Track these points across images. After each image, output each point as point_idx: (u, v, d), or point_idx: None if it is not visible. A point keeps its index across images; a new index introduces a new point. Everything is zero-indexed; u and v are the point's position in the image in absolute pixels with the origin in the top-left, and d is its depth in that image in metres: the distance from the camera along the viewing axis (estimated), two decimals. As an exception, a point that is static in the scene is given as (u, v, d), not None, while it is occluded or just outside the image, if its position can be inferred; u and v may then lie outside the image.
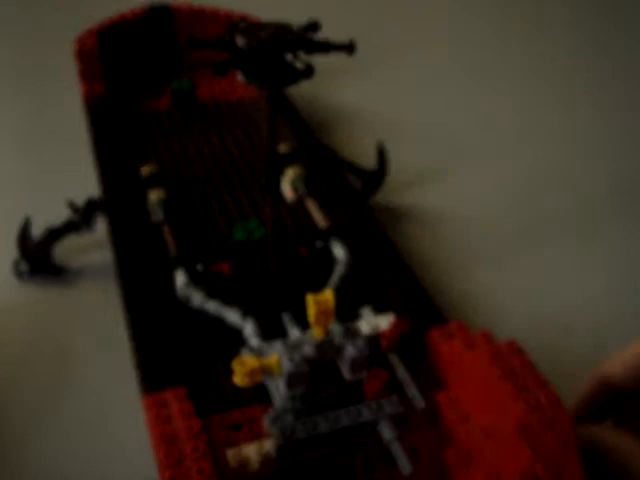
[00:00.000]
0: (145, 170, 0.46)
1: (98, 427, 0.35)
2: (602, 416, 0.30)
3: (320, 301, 0.28)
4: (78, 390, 0.37)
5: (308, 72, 0.26)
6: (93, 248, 0.44)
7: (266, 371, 0.28)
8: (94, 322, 0.40)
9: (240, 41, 0.28)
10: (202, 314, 0.35)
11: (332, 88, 0.64)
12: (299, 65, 0.26)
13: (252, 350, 0.29)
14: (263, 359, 0.28)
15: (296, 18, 0.31)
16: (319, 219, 0.42)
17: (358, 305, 0.34)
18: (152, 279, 0.37)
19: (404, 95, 0.65)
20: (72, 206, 0.42)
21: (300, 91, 0.45)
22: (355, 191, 0.45)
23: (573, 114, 0.63)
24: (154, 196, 0.43)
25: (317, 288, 0.31)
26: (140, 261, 0.38)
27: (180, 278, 0.36)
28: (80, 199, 0.43)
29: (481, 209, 0.49)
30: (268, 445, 0.27)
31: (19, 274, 0.43)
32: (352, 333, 0.30)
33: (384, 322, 0.32)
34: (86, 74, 0.56)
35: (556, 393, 0.28)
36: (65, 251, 0.44)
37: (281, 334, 0.32)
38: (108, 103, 0.55)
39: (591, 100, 0.65)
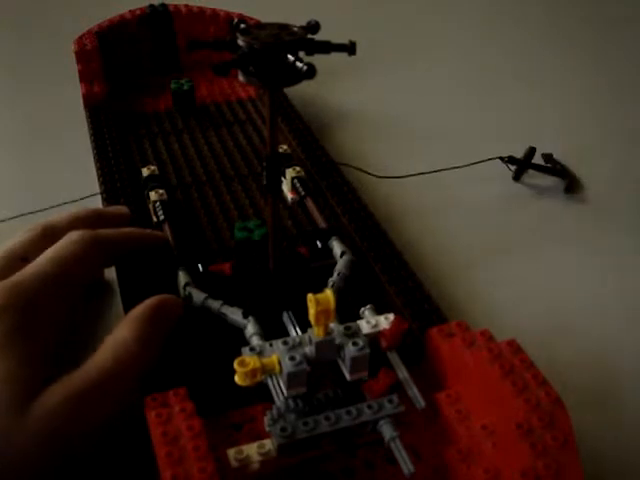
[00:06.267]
0: (145, 171, 0.46)
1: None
2: None
3: (320, 301, 0.28)
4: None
5: (310, 73, 0.26)
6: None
7: (267, 371, 0.28)
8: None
9: (241, 42, 0.28)
10: (203, 314, 0.35)
11: (332, 88, 0.64)
12: (301, 66, 0.26)
13: (253, 350, 0.30)
14: (264, 359, 0.29)
15: (295, 19, 0.31)
16: (319, 219, 0.42)
17: (358, 305, 0.34)
18: (152, 279, 0.37)
19: (404, 95, 0.65)
20: None
21: (300, 91, 0.45)
22: (355, 191, 0.45)
23: (575, 117, 0.63)
24: (154, 196, 0.43)
25: (317, 288, 0.31)
26: (140, 261, 0.38)
27: (180, 278, 0.36)
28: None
29: (483, 209, 0.50)
30: (269, 445, 0.28)
31: None
32: (352, 333, 0.30)
33: (384, 321, 0.32)
34: (86, 75, 0.56)
35: (556, 392, 0.28)
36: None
37: (282, 334, 0.32)
38: (108, 103, 0.55)
39: (591, 106, 0.65)
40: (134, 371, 0.30)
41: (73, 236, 0.33)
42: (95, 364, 0.29)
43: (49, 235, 0.34)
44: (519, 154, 0.53)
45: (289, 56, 0.27)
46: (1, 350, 0.28)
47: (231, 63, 0.27)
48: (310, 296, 0.28)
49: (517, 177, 0.53)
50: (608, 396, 0.35)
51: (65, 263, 0.32)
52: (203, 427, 0.27)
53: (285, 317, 0.34)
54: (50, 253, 0.32)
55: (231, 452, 0.27)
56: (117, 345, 0.30)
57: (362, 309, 0.34)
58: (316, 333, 0.29)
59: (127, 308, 0.35)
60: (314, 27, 0.30)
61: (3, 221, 0.45)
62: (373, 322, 0.32)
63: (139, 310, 0.32)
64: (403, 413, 0.29)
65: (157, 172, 0.46)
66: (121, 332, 0.30)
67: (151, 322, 0.31)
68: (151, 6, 0.61)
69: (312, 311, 0.28)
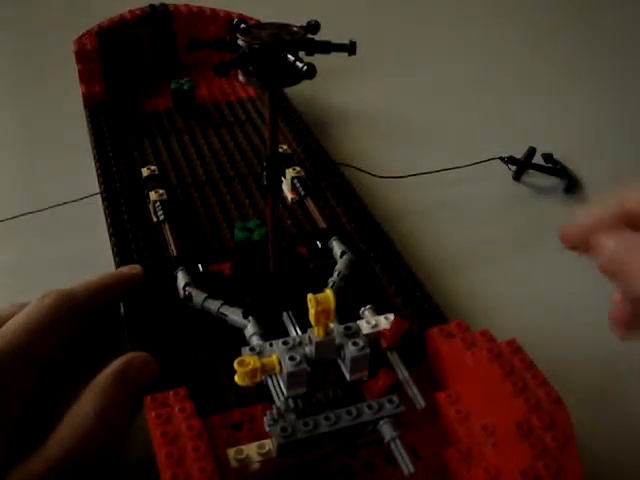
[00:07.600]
0: (145, 171, 0.46)
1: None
2: None
3: (320, 301, 0.28)
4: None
5: (310, 73, 0.26)
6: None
7: (267, 371, 0.28)
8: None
9: (241, 42, 0.28)
10: (203, 314, 0.35)
11: (332, 88, 0.64)
12: (301, 66, 0.26)
13: (253, 350, 0.30)
14: (264, 359, 0.29)
15: (295, 19, 0.31)
16: (319, 219, 0.42)
17: (358, 305, 0.34)
18: (152, 279, 0.37)
19: (404, 95, 0.65)
20: None
21: (300, 91, 0.45)
22: (355, 191, 0.45)
23: (575, 117, 0.63)
24: (154, 196, 0.43)
25: (317, 288, 0.31)
26: (140, 261, 0.38)
27: (180, 278, 0.36)
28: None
29: (483, 209, 0.50)
30: (269, 445, 0.28)
31: None
32: (352, 333, 0.30)
33: (384, 321, 0.32)
34: (85, 75, 0.56)
35: (556, 392, 0.28)
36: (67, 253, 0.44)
37: (282, 334, 0.32)
38: (108, 103, 0.55)
39: (591, 106, 0.65)
40: (97, 447, 0.27)
41: (45, 300, 0.30)
42: (54, 443, 0.27)
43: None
44: (519, 154, 0.53)
45: (289, 56, 0.27)
46: None
47: (231, 63, 0.27)
48: (310, 296, 0.28)
49: (517, 177, 0.53)
50: (608, 396, 0.35)
51: (33, 333, 0.29)
52: (203, 427, 0.27)
53: (285, 317, 0.34)
54: (19, 321, 0.29)
55: (231, 452, 0.27)
56: (77, 421, 0.27)
57: (362, 309, 0.34)
58: (316, 333, 0.29)
59: (128, 308, 0.35)
60: (314, 27, 0.29)
61: (3, 221, 0.45)
62: (373, 322, 0.32)
63: (103, 377, 0.28)
64: (403, 413, 0.29)
65: (157, 172, 0.46)
66: (83, 405, 0.27)
67: (116, 390, 0.28)
68: (151, 6, 0.61)
69: (312, 311, 0.28)
